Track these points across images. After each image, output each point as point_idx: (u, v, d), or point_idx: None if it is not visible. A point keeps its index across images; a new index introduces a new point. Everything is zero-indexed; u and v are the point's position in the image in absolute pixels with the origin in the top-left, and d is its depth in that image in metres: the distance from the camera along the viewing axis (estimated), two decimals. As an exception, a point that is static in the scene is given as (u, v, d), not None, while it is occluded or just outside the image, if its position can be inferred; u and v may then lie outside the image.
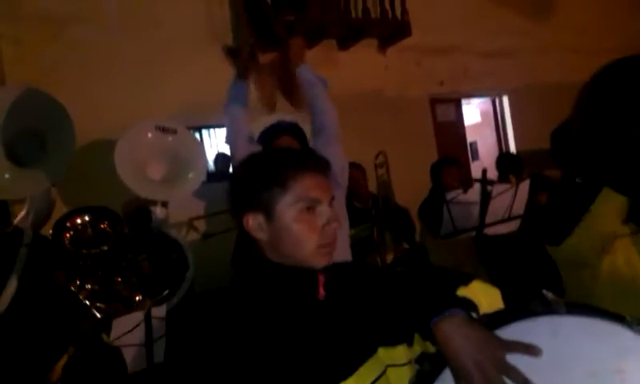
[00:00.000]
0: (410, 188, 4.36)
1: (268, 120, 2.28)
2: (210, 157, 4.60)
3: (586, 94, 1.36)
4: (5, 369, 2.09)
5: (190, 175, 3.07)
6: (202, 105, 3.86)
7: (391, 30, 5.03)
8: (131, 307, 2.36)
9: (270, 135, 2.14)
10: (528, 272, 3.13)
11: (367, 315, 0.98)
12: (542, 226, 1.78)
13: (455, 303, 0.89)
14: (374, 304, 0.99)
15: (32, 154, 2.58)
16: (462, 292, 0.96)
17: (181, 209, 3.41)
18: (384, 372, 0.95)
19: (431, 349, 0.94)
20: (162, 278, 2.61)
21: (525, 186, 3.17)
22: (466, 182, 3.56)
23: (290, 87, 2.17)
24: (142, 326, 2.05)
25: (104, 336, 2.02)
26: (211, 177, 4.01)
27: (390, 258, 3.43)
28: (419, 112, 5.46)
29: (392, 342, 0.98)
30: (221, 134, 4.58)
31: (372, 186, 3.93)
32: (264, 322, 0.92)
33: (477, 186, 3.12)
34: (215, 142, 4.83)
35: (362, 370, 0.92)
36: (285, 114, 2.34)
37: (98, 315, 2.33)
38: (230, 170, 4.20)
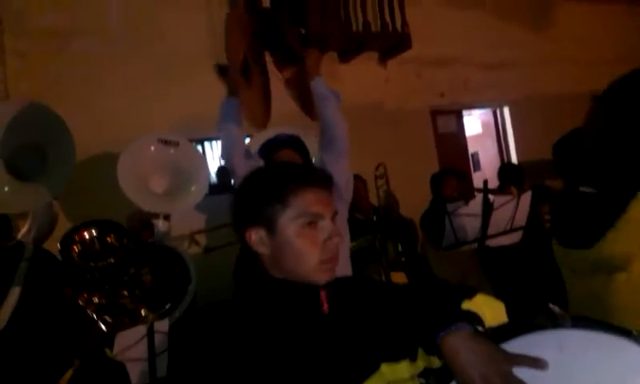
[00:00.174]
0: (411, 200, 4.36)
1: (268, 133, 2.28)
2: (213, 169, 4.61)
3: (610, 103, 1.38)
4: (10, 382, 2.08)
5: (193, 188, 3.08)
6: (203, 117, 3.85)
7: (392, 43, 5.07)
8: (137, 321, 2.35)
9: (270, 148, 2.14)
10: (533, 284, 3.13)
11: (370, 330, 0.98)
12: (566, 230, 1.76)
13: (460, 317, 0.89)
14: (377, 319, 0.99)
15: (32, 168, 2.59)
16: (467, 306, 0.96)
17: (183, 221, 3.41)
18: (387, 387, 0.95)
19: (436, 364, 0.93)
20: (164, 291, 2.61)
21: (526, 197, 3.17)
22: (467, 193, 3.57)
23: (308, 100, 2.15)
24: (145, 340, 2.05)
25: (107, 351, 2.01)
26: (213, 189, 4.02)
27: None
28: (420, 124, 5.49)
29: (395, 358, 0.97)
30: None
31: (373, 198, 3.94)
32: (267, 336, 0.92)
33: (478, 198, 3.12)
34: (217, 154, 4.84)
35: None
36: (284, 128, 2.34)
37: (105, 329, 2.32)
38: (232, 182, 4.21)
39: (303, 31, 2.42)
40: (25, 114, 2.56)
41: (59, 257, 2.49)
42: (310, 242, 0.97)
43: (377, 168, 4.04)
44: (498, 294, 1.02)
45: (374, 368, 0.95)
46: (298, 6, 4.45)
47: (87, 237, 2.67)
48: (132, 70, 4.02)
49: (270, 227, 0.98)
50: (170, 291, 2.63)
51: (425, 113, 5.55)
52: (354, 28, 4.80)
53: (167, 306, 2.54)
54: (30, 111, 2.57)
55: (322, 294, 0.99)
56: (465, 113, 6.11)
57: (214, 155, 4.81)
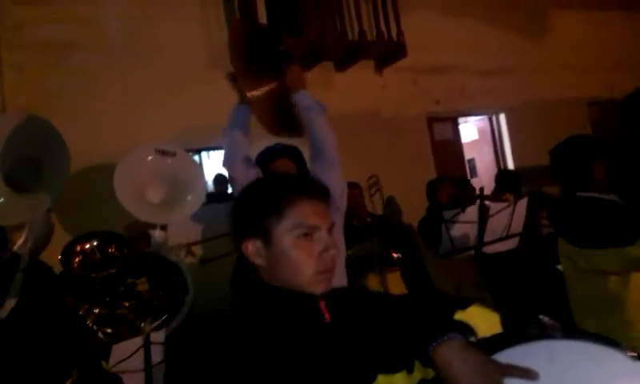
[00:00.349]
0: (409, 206, 4.37)
1: (266, 142, 2.28)
2: (209, 178, 4.62)
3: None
4: None
5: (189, 197, 3.08)
6: (201, 127, 3.89)
7: (387, 51, 5.09)
8: (136, 331, 2.34)
9: (267, 157, 2.14)
10: (531, 289, 3.13)
11: (368, 341, 0.98)
12: (608, 229, 1.85)
13: (452, 328, 0.89)
14: (373, 330, 0.99)
15: (28, 179, 2.59)
16: (460, 316, 0.96)
17: (179, 231, 3.41)
18: (382, 399, 0.95)
19: (432, 375, 0.93)
20: (161, 301, 2.60)
21: (522, 204, 3.18)
22: (464, 200, 3.57)
23: (289, 115, 2.14)
24: (141, 351, 2.04)
25: (103, 363, 2.00)
26: (210, 198, 4.03)
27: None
28: (417, 131, 5.50)
29: (392, 369, 0.97)
30: (219, 156, 4.60)
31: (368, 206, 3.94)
32: (267, 346, 0.91)
33: (475, 205, 3.13)
34: (214, 164, 4.86)
35: None
36: (285, 138, 2.33)
37: (105, 339, 2.32)
38: (229, 191, 4.21)
39: (286, 48, 2.39)
40: (22, 127, 2.57)
41: (60, 268, 2.49)
42: (306, 254, 0.98)
43: (369, 179, 4.06)
44: (495, 300, 1.02)
45: (370, 379, 0.95)
46: (293, 17, 4.48)
47: (88, 248, 2.68)
48: (129, 81, 4.03)
49: (266, 238, 0.99)
50: (167, 302, 2.62)
51: (421, 120, 5.57)
52: (350, 37, 4.82)
53: (164, 317, 2.54)
54: (28, 124, 2.58)
55: (322, 303, 0.99)
56: (461, 120, 6.13)
57: (210, 164, 4.83)
